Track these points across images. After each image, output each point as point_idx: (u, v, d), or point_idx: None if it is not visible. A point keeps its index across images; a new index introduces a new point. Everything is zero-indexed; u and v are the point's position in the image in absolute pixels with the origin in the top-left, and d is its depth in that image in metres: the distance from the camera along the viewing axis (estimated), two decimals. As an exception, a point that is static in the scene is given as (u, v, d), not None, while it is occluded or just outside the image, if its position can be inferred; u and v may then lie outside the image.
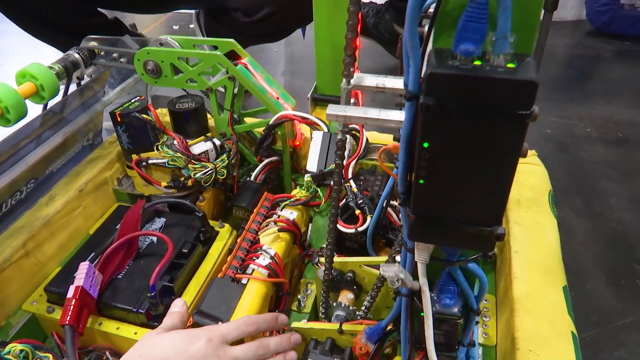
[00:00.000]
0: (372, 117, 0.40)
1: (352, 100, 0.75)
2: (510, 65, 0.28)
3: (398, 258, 0.46)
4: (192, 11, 1.56)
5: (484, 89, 0.28)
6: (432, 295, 0.43)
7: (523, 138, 0.30)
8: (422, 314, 0.42)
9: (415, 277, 0.41)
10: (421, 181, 0.33)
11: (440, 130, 0.30)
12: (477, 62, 0.29)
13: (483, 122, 0.29)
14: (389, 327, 0.53)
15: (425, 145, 0.31)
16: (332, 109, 0.41)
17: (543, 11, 1.44)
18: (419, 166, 0.32)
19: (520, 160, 0.96)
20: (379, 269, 0.62)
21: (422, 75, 0.30)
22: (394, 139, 0.45)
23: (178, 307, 0.58)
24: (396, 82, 0.45)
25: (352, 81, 0.44)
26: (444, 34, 0.31)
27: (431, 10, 0.31)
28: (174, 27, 2.13)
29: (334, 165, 0.53)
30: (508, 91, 0.28)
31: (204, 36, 1.49)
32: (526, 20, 0.30)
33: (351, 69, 0.43)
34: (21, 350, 0.54)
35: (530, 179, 0.82)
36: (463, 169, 0.31)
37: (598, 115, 1.50)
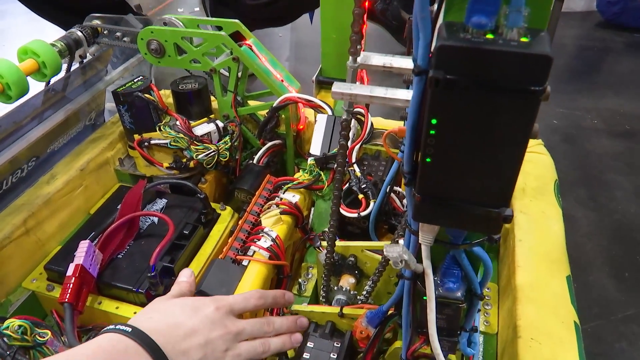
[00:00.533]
0: (378, 95, 0.40)
1: (357, 83, 0.74)
2: (523, 39, 0.27)
3: (401, 242, 0.46)
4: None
5: (496, 62, 0.27)
6: (436, 279, 0.42)
7: (535, 116, 0.29)
8: (424, 297, 0.41)
9: (419, 260, 0.41)
10: (428, 159, 0.32)
11: (449, 105, 0.29)
12: (490, 36, 0.28)
13: (494, 98, 0.28)
14: (390, 311, 0.53)
15: (434, 121, 0.30)
16: (337, 87, 0.40)
17: (553, 0, 1.42)
18: (426, 144, 0.31)
19: (527, 149, 0.94)
20: (381, 254, 0.61)
21: (432, 49, 0.29)
22: (401, 118, 0.44)
23: (186, 277, 0.57)
24: (403, 62, 0.44)
25: (358, 60, 0.43)
26: (455, 6, 0.30)
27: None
28: (179, 9, 2.11)
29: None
30: (521, 65, 0.27)
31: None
32: (541, -7, 0.29)
33: (358, 47, 0.42)
34: (19, 326, 0.53)
35: (536, 168, 0.82)
36: (472, 147, 0.31)
37: (605, 108, 1.48)
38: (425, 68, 0.30)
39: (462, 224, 0.35)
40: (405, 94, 0.39)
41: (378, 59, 0.44)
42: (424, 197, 0.34)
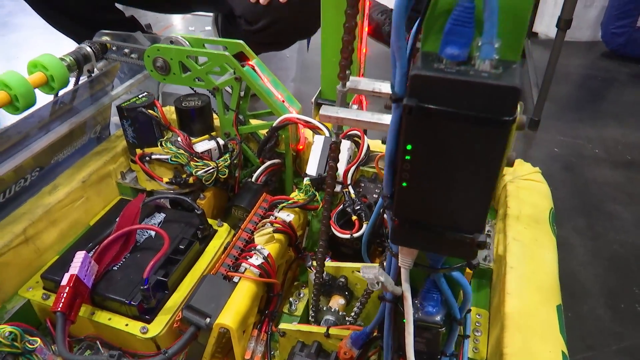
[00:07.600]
0: (364, 119, 0.41)
1: (355, 107, 0.76)
2: (494, 70, 0.28)
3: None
4: (211, 14, 1.58)
5: (466, 93, 0.28)
6: (416, 302, 0.43)
7: (505, 145, 0.30)
8: (404, 320, 0.42)
9: (399, 282, 0.41)
10: (404, 184, 0.33)
11: (422, 132, 0.30)
12: (463, 66, 0.29)
13: (465, 127, 0.29)
14: (374, 334, 0.53)
15: (409, 147, 0.31)
16: (325, 110, 0.42)
17: (556, 29, 1.43)
18: (402, 169, 0.32)
19: (523, 176, 0.93)
20: (370, 275, 0.62)
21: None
22: (382, 142, 0.45)
23: None
24: (392, 88, 0.45)
25: (347, 84, 0.45)
26: (431, 37, 0.32)
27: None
28: (190, 28, 2.16)
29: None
30: (490, 96, 0.28)
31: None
32: (514, 26, 0.30)
33: (347, 72, 0.44)
34: (10, 332, 0.54)
35: (532, 196, 0.82)
36: (445, 174, 0.31)
37: (607, 137, 1.48)
38: (402, 95, 0.32)
39: (438, 248, 0.36)
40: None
41: (367, 84, 0.45)
42: (402, 221, 0.35)
